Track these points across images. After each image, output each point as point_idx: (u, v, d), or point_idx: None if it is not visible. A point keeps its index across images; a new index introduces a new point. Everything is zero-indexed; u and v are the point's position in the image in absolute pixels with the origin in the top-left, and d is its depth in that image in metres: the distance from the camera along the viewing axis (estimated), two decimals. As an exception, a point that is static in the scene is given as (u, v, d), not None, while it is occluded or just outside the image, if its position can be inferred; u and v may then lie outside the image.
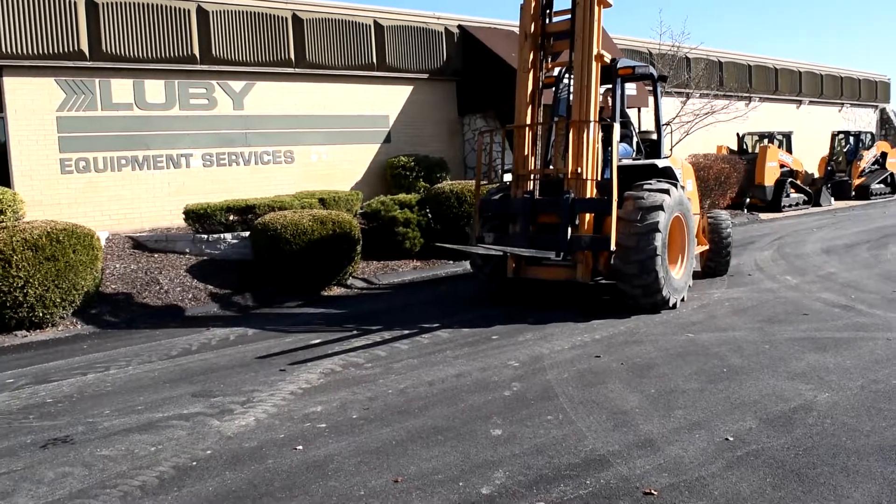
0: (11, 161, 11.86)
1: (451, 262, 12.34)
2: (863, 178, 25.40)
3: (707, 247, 10.18)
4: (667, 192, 8.19)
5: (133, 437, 4.86)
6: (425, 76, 16.69)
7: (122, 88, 12.80)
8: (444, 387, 5.71)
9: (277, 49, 14.42)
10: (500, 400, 5.33)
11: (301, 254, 9.98)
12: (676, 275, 8.51)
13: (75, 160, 12.37)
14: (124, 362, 6.91)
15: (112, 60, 12.61)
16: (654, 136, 9.84)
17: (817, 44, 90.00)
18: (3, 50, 11.64)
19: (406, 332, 7.67)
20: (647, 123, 13.14)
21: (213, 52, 13.61)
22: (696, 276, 9.67)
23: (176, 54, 13.23)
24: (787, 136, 23.60)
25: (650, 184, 8.34)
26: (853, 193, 24.88)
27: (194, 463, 4.38)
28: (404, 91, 16.43)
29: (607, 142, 8.40)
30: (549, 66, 9.24)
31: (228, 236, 11.28)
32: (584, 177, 8.16)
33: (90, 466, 4.38)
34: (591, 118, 8.21)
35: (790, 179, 22.03)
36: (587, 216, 8.24)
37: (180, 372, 6.50)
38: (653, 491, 3.77)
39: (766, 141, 22.62)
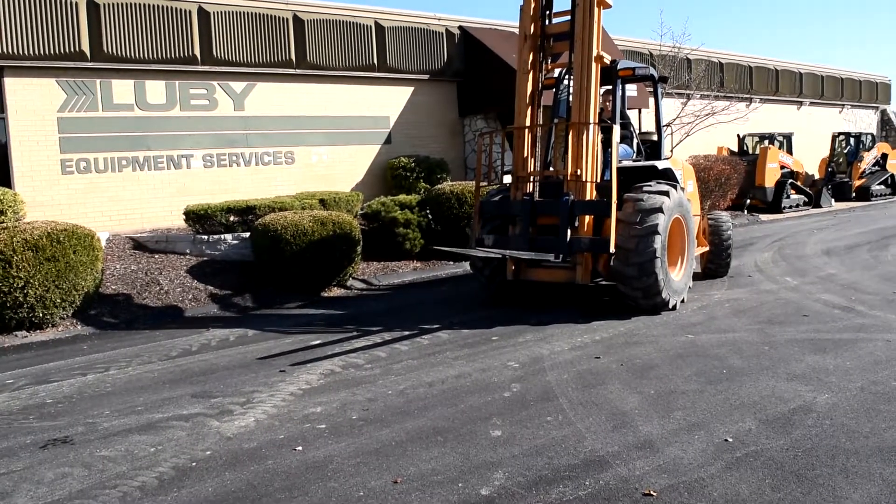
0: (12, 162, 11.88)
1: (452, 262, 12.34)
2: (863, 180, 25.40)
3: (707, 248, 10.18)
4: (666, 193, 8.19)
5: (133, 437, 4.86)
6: (426, 77, 16.70)
7: (122, 89, 12.81)
8: (444, 388, 5.72)
9: (278, 50, 14.44)
10: (500, 401, 5.33)
11: (301, 255, 9.99)
12: (676, 276, 8.51)
13: (76, 161, 12.39)
14: (124, 363, 6.92)
15: (113, 61, 12.63)
16: (655, 138, 9.84)
17: (817, 44, 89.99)
18: (4, 50, 11.66)
19: (406, 333, 7.67)
20: (648, 125, 13.15)
21: (214, 53, 13.63)
22: (696, 277, 9.67)
23: (177, 55, 13.24)
24: (788, 137, 23.60)
25: (650, 186, 8.33)
26: (854, 195, 24.87)
27: (194, 463, 4.38)
28: (405, 92, 16.44)
29: (607, 143, 8.40)
30: (549, 67, 9.24)
31: (229, 237, 11.29)
32: (584, 178, 8.16)
33: (90, 467, 4.39)
34: (591, 120, 8.22)
35: (791, 181, 22.03)
36: (587, 218, 8.23)
37: (180, 373, 6.51)
38: (652, 492, 3.78)
39: (766, 142, 22.62)
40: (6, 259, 7.93)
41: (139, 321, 8.93)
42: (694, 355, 6.38)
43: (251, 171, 14.29)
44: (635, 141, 9.52)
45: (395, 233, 12.26)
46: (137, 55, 12.82)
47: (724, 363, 6.08)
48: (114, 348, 7.61)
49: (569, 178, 8.21)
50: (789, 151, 23.05)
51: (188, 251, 11.23)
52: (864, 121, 31.76)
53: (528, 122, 8.79)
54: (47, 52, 12.00)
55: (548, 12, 8.93)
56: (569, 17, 8.60)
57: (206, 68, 13.62)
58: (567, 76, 8.91)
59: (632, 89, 15.23)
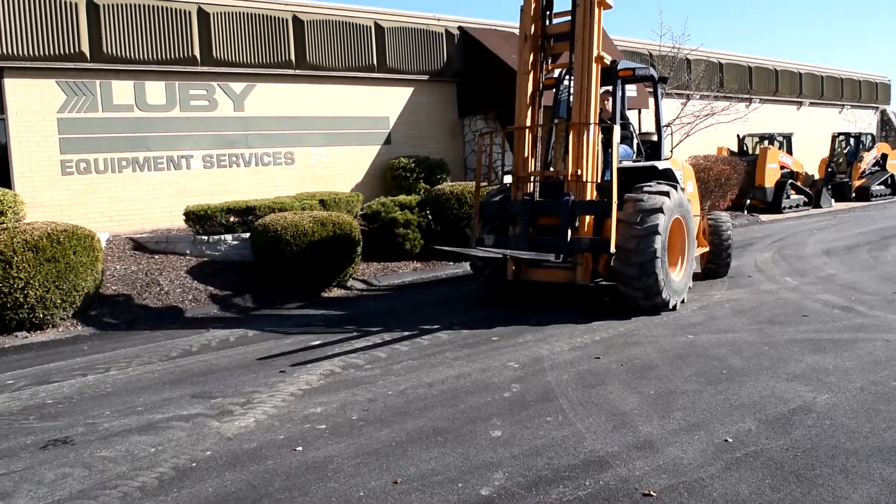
0: (12, 162, 11.88)
1: (452, 263, 12.35)
2: (863, 180, 25.40)
3: (707, 248, 10.18)
4: (667, 194, 8.20)
5: (133, 438, 4.87)
6: (426, 77, 16.70)
7: (122, 90, 12.82)
8: (444, 388, 5.72)
9: (278, 50, 14.44)
10: (500, 401, 5.33)
11: (301, 255, 9.99)
12: (676, 276, 8.51)
13: (76, 161, 12.39)
14: (124, 363, 6.92)
15: (113, 62, 12.63)
16: (655, 138, 9.84)
17: (817, 45, 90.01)
18: (4, 51, 11.66)
19: (406, 333, 7.68)
20: (648, 125, 13.15)
21: (214, 54, 13.63)
22: (696, 277, 9.67)
23: (176, 56, 13.24)
24: (788, 137, 23.60)
25: (650, 186, 8.34)
26: (853, 195, 24.87)
27: (194, 464, 4.38)
28: (405, 92, 16.45)
29: (607, 144, 8.41)
30: (550, 67, 9.24)
31: (229, 238, 11.29)
32: (584, 179, 8.17)
33: (90, 467, 4.39)
34: (592, 120, 8.22)
35: (790, 181, 22.03)
36: (587, 218, 8.24)
37: (180, 373, 6.51)
38: (652, 492, 3.78)
39: (766, 142, 22.62)
40: (6, 260, 7.93)
41: (139, 322, 8.93)
42: (694, 355, 6.38)
43: (251, 172, 14.29)
44: (635, 141, 9.52)
45: (395, 233, 12.26)
46: (137, 56, 12.82)
47: (723, 363, 6.09)
48: (114, 349, 7.61)
49: (569, 178, 8.22)
50: (789, 152, 23.06)
51: (188, 252, 11.23)
52: (863, 121, 31.77)
53: (528, 123, 8.80)
54: (47, 52, 12.00)
55: (548, 13, 8.94)
56: (569, 18, 8.61)
57: (206, 69, 13.62)
58: (567, 76, 8.92)
59: (632, 90, 15.22)
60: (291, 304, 9.85)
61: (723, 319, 7.81)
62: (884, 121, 33.72)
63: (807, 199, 22.64)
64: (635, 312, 8.13)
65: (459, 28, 17.27)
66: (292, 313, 9.37)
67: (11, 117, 11.86)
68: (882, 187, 26.01)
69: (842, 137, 25.89)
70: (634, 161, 9.29)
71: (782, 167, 21.78)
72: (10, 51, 11.70)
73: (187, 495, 3.97)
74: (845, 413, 4.82)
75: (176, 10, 13.24)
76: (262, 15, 14.24)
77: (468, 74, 17.17)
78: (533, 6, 8.83)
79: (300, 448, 4.57)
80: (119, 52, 12.64)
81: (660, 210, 7.92)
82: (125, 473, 4.28)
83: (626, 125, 9.43)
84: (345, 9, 15.53)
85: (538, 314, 8.35)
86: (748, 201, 20.77)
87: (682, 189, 9.07)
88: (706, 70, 21.83)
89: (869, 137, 26.52)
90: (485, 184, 9.59)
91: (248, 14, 14.07)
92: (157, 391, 5.96)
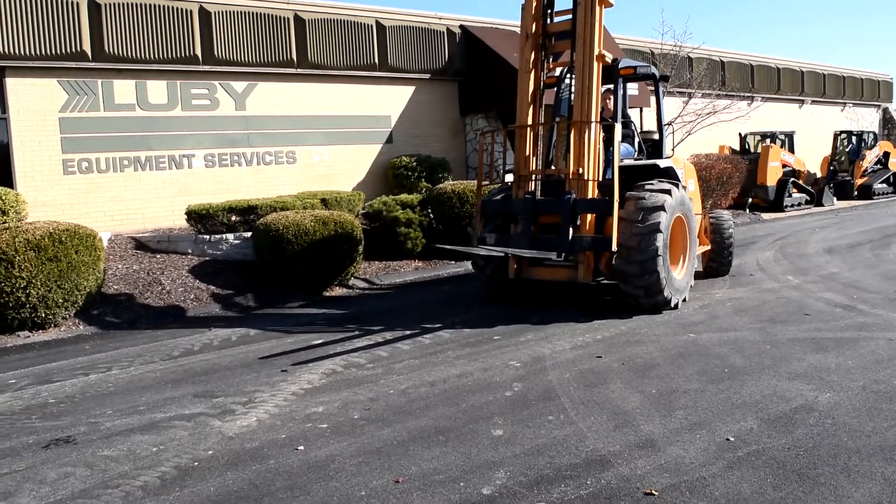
0: (14, 162, 11.90)
1: (453, 262, 12.35)
2: (865, 178, 25.37)
3: (709, 247, 10.17)
4: (668, 192, 8.19)
5: (135, 437, 4.87)
6: (427, 76, 16.70)
7: (124, 89, 12.83)
8: (446, 387, 5.72)
9: (279, 49, 14.44)
10: (502, 400, 5.33)
11: (303, 254, 10.00)
12: (678, 275, 8.50)
13: (78, 161, 12.41)
14: (126, 363, 6.93)
15: (114, 61, 12.64)
16: (656, 136, 9.83)
17: (819, 43, 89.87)
18: (6, 51, 11.67)
19: (408, 332, 7.68)
20: (649, 123, 13.15)
21: (216, 53, 13.64)
22: (697, 276, 9.66)
23: (178, 55, 13.25)
24: (790, 135, 23.57)
25: (652, 184, 8.33)
26: (856, 193, 24.85)
27: (196, 463, 4.39)
28: (406, 91, 16.45)
29: (609, 142, 8.40)
30: (551, 66, 9.23)
31: (230, 237, 11.30)
32: (586, 177, 8.16)
33: (92, 467, 4.39)
34: (593, 118, 8.21)
35: (792, 179, 22.00)
36: (589, 217, 8.23)
37: (182, 372, 6.52)
38: (654, 491, 3.78)
39: (768, 141, 22.59)
40: (8, 259, 7.94)
41: (141, 321, 8.94)
42: (695, 354, 6.37)
43: (253, 171, 14.30)
44: (637, 140, 9.51)
45: (396, 232, 12.26)
46: (139, 55, 12.83)
47: (725, 362, 6.08)
48: (116, 348, 7.62)
49: (571, 176, 8.21)
50: (791, 150, 23.03)
51: (190, 251, 11.24)
52: (866, 119, 31.72)
53: (529, 121, 8.79)
54: (49, 52, 12.01)
55: (549, 11, 8.93)
56: (570, 16, 8.60)
57: (208, 68, 13.63)
58: (568, 75, 8.91)
59: (633, 88, 15.22)
60: (293, 303, 9.85)
61: (724, 318, 7.81)
62: (886, 119, 33.67)
63: (809, 198, 22.62)
64: (637, 311, 8.13)
65: (461, 27, 17.26)
66: (294, 312, 9.37)
67: (13, 117, 11.88)
68: (884, 185, 25.98)
69: (844, 136, 25.86)
70: (636, 159, 9.28)
71: (784, 165, 21.76)
72: (11, 50, 11.71)
73: (189, 494, 3.97)
74: (847, 412, 4.81)
75: (177, 9, 13.24)
76: (264, 14, 14.25)
77: (470, 73, 17.17)
78: (534, 4, 8.82)
79: (302, 447, 4.57)
80: (120, 52, 12.65)
81: (661, 208, 7.91)
82: (127, 473, 4.28)
83: (627, 123, 9.41)
84: (346, 7, 15.53)
85: (540, 313, 8.35)
86: (750, 200, 20.75)
87: (684, 187, 9.06)
88: (708, 68, 21.80)
89: (871, 135, 26.49)
90: (486, 182, 9.59)
91: (249, 13, 14.07)
92: (159, 390, 5.96)
